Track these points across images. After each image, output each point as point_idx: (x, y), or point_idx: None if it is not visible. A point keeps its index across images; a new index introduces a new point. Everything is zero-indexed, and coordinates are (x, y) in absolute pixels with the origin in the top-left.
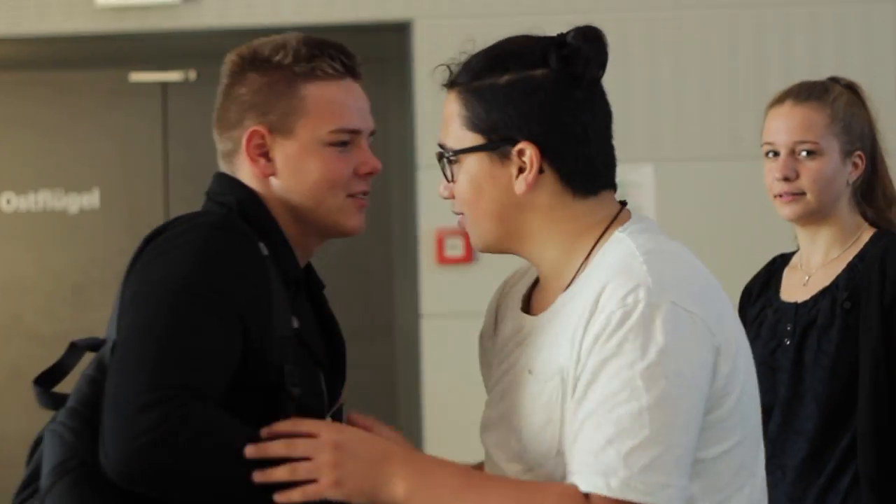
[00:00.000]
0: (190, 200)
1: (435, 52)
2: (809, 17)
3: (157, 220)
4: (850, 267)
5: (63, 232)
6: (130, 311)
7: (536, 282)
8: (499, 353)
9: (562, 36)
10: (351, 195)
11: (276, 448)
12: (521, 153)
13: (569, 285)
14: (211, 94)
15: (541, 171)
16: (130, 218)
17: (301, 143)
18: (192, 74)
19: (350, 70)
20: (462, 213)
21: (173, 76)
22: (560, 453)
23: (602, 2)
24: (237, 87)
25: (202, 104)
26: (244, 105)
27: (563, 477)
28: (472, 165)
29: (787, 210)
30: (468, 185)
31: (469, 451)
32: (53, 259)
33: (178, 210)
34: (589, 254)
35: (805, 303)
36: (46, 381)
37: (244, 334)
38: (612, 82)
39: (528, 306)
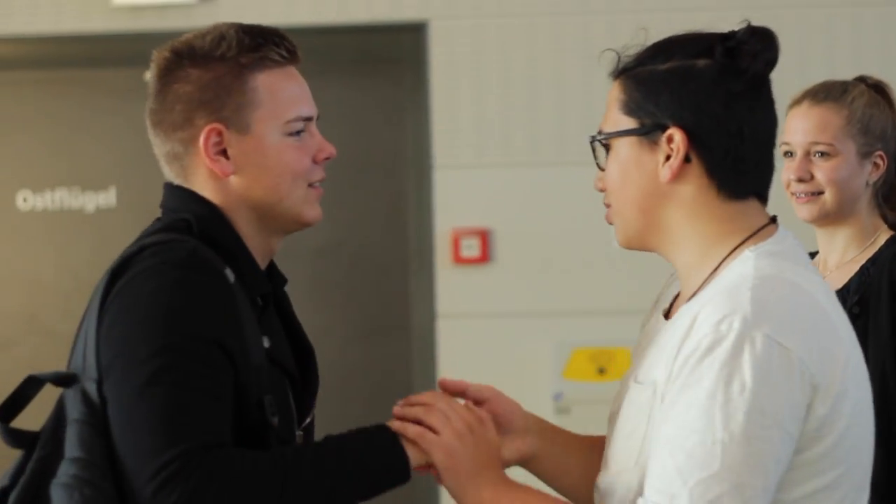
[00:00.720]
0: None
1: (450, 53)
2: (825, 19)
3: None
4: (862, 270)
5: (80, 230)
6: (117, 380)
7: None
8: (636, 348)
9: (732, 31)
10: (311, 185)
11: (415, 411)
12: (670, 139)
13: (692, 296)
14: None
15: (688, 160)
16: (147, 216)
17: (258, 136)
18: None
19: (293, 55)
20: (609, 206)
21: None
22: (638, 465)
23: (618, 3)
24: (178, 85)
25: None
26: (191, 103)
27: (637, 489)
28: (623, 150)
29: (803, 210)
30: (616, 170)
31: None
32: (70, 257)
33: None
34: (718, 266)
35: None
36: (4, 414)
37: (233, 368)
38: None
39: (670, 307)
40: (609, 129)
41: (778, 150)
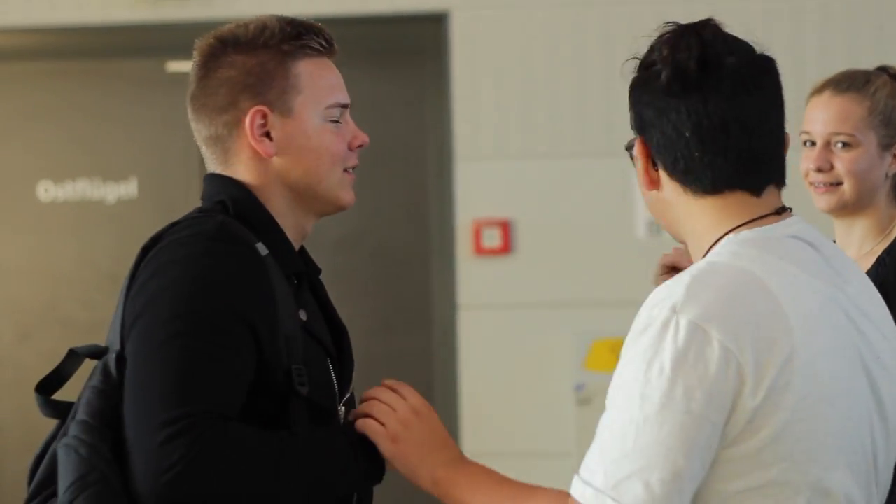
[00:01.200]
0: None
1: (472, 44)
2: (847, 7)
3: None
4: (879, 261)
5: (101, 221)
6: (137, 338)
7: None
8: None
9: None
10: (345, 170)
11: (361, 407)
12: (638, 150)
13: None
14: None
15: (655, 167)
16: (168, 207)
17: (300, 120)
18: None
19: (331, 46)
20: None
21: None
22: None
23: None
24: (222, 70)
25: None
26: (236, 87)
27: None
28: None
29: (822, 201)
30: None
31: (505, 442)
32: (91, 248)
33: None
34: (705, 255)
35: None
36: (46, 388)
37: (256, 343)
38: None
39: None
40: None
41: (797, 138)
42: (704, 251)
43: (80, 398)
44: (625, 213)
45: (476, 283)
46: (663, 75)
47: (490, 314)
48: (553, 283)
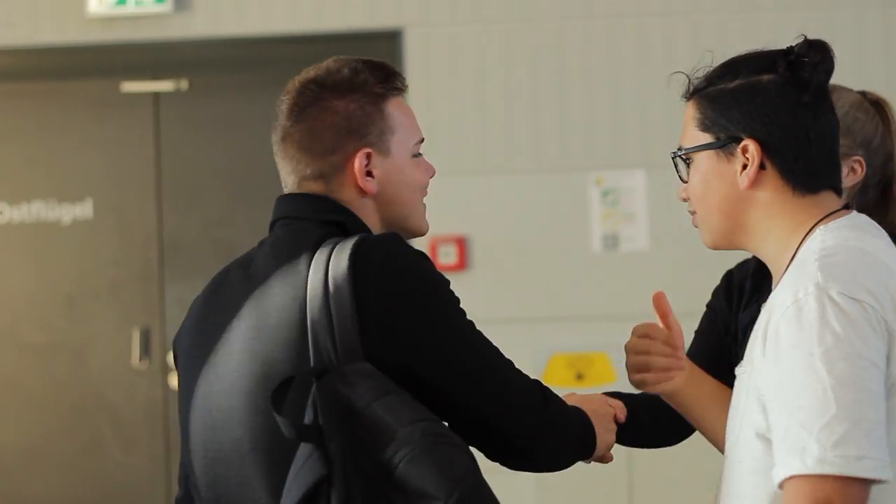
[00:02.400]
0: (181, 209)
1: (426, 60)
2: (800, 21)
3: (150, 230)
4: None
5: (56, 242)
6: (430, 343)
7: None
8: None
9: (791, 47)
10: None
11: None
12: (744, 150)
13: (779, 281)
14: (202, 103)
15: (763, 167)
16: (123, 228)
17: (397, 158)
18: (184, 84)
19: (405, 84)
20: (695, 213)
21: (165, 86)
22: (739, 439)
23: (593, 7)
24: (322, 114)
25: (194, 113)
26: (340, 130)
27: (738, 460)
28: (703, 163)
29: None
30: (699, 181)
31: None
32: (47, 269)
33: (171, 219)
34: (797, 249)
35: None
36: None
37: None
38: (602, 87)
39: None
40: (688, 144)
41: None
42: (792, 244)
43: (329, 423)
44: (580, 228)
45: None
46: (812, 82)
47: None
48: (510, 299)
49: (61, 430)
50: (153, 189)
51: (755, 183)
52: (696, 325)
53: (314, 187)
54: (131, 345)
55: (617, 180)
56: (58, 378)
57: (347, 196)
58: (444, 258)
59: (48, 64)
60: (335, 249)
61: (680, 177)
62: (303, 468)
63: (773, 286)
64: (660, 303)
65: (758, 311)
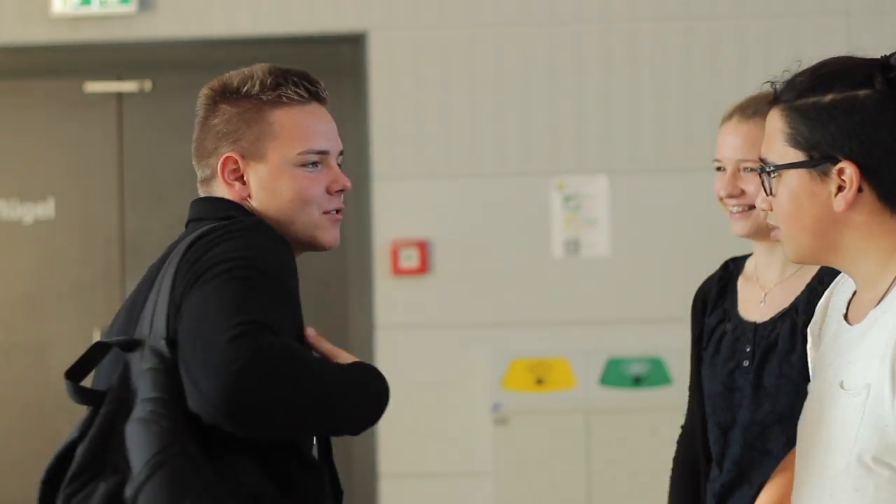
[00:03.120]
0: (144, 210)
1: (390, 64)
2: (764, 30)
3: (112, 230)
4: (810, 289)
5: (18, 242)
6: (197, 292)
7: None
8: (824, 356)
9: (886, 58)
10: (325, 212)
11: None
12: (841, 172)
13: (881, 300)
14: (166, 104)
15: (860, 189)
16: (85, 227)
17: (272, 165)
18: (148, 85)
19: (314, 95)
20: (777, 227)
21: (128, 86)
22: (850, 466)
23: (557, 13)
24: (211, 119)
25: (157, 114)
26: (218, 134)
27: (853, 488)
28: (793, 181)
29: (737, 226)
30: (788, 199)
31: (422, 462)
32: (8, 269)
33: (133, 220)
34: None
35: (764, 324)
36: (73, 377)
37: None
38: (566, 93)
39: (847, 312)
40: (777, 160)
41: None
42: (889, 264)
43: (116, 389)
44: (542, 233)
45: (394, 303)
46: None
47: (407, 334)
48: (470, 304)
49: (21, 430)
50: (116, 189)
51: (851, 205)
52: (659, 330)
53: (206, 192)
54: None
55: (579, 185)
56: (18, 378)
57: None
58: (406, 262)
59: (11, 63)
60: (192, 236)
61: (764, 188)
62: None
63: (866, 302)
64: None
65: (723, 316)
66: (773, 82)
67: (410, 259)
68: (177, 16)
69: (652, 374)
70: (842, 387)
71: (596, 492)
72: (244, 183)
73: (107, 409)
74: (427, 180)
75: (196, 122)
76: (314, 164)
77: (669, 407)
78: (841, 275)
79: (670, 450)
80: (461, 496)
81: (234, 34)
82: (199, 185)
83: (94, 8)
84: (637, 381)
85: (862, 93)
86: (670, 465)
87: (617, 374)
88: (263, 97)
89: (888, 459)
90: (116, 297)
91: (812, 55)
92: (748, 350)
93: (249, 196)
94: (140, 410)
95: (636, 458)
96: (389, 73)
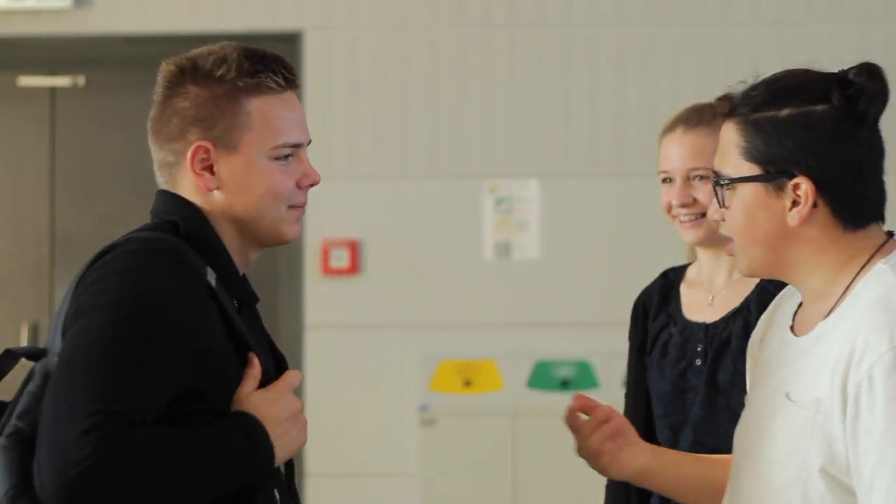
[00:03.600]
0: (75, 206)
1: (325, 63)
2: (697, 37)
3: (43, 225)
4: (760, 288)
5: None
6: (70, 339)
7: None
8: (766, 367)
9: (844, 73)
10: (291, 206)
11: None
12: (796, 187)
13: (829, 313)
14: (99, 100)
15: (814, 205)
16: (16, 222)
17: (246, 157)
18: (81, 80)
19: (291, 83)
20: (731, 239)
21: (62, 81)
22: (800, 481)
23: (492, 17)
24: (178, 99)
25: (91, 109)
26: (187, 118)
27: (800, 501)
28: (747, 194)
29: (689, 234)
30: (741, 212)
31: (349, 462)
32: None
33: (64, 215)
34: (850, 283)
35: (715, 324)
36: None
37: (196, 363)
38: (499, 96)
39: (793, 324)
40: (732, 173)
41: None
42: (843, 279)
43: (15, 399)
44: (473, 235)
45: (323, 302)
46: (870, 115)
47: (337, 334)
48: (400, 304)
49: None
50: (47, 184)
51: (805, 220)
52: (587, 334)
53: (163, 176)
54: (20, 339)
55: (511, 189)
56: None
57: (190, 192)
58: (336, 262)
59: None
60: (107, 246)
61: (717, 200)
62: None
63: (814, 314)
64: (582, 403)
65: (667, 320)
66: (728, 95)
67: (341, 259)
68: (111, 12)
69: (579, 378)
70: (788, 398)
71: (522, 494)
72: (213, 173)
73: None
74: (359, 181)
75: (156, 100)
76: (286, 157)
77: None
78: (787, 287)
79: None
80: (387, 497)
81: (169, 31)
82: (157, 169)
83: (29, 2)
84: (564, 385)
85: (819, 108)
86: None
87: (544, 377)
88: (240, 83)
89: (836, 473)
90: (45, 293)
91: (742, 64)
92: (700, 349)
93: (218, 187)
94: (4, 435)
95: (562, 460)
96: (324, 73)
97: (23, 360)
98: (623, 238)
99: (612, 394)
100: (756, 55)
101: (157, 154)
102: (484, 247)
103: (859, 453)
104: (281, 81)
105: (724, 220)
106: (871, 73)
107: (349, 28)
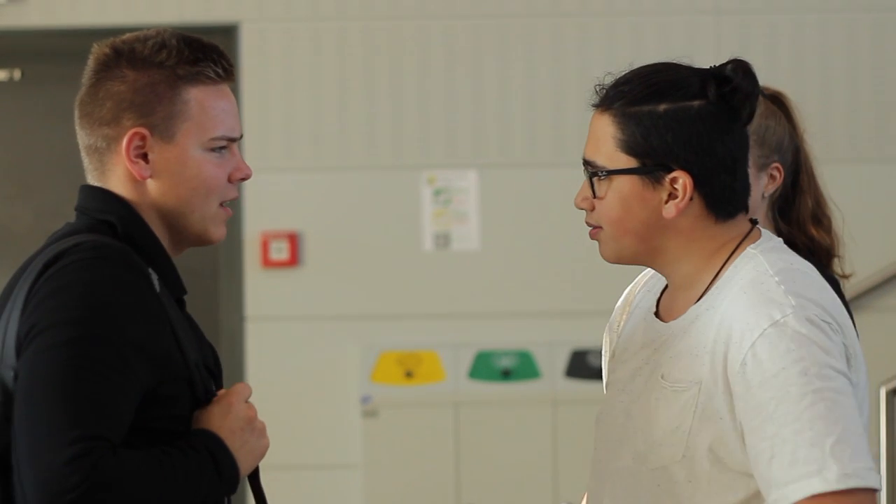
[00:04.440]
0: (13, 200)
1: (262, 55)
2: (644, 27)
3: None
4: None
5: None
6: (34, 357)
7: (665, 287)
8: (625, 351)
9: (720, 69)
10: (221, 203)
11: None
12: (674, 181)
13: (701, 297)
14: (35, 93)
15: (690, 198)
16: None
17: (181, 147)
18: (17, 74)
19: (229, 74)
20: (599, 227)
21: None
22: (685, 458)
23: (426, 7)
24: (113, 83)
25: (26, 104)
26: (123, 103)
27: (686, 479)
28: (624, 186)
29: None
30: (617, 203)
31: (291, 454)
32: None
33: (1, 210)
34: (721, 268)
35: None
36: None
37: (157, 370)
38: (436, 87)
39: (657, 311)
40: (608, 165)
41: None
42: (712, 266)
43: None
44: (412, 226)
45: (263, 295)
46: (744, 112)
47: (277, 326)
48: (340, 296)
49: None
50: (7, 176)
51: (681, 211)
52: (528, 324)
53: (91, 163)
54: None
55: (449, 180)
56: None
57: (121, 181)
58: (276, 254)
59: None
60: (53, 250)
61: (592, 190)
62: None
63: (684, 300)
64: None
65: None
66: (599, 86)
67: (280, 251)
68: (47, 5)
69: (520, 368)
70: (664, 379)
71: (465, 484)
72: (147, 162)
73: None
74: (297, 173)
75: (86, 81)
76: (221, 149)
77: (537, 400)
78: (647, 272)
79: (538, 442)
80: (330, 488)
81: (105, 24)
82: (85, 155)
83: None
84: (506, 375)
85: (696, 103)
86: (539, 457)
87: (486, 368)
88: (179, 71)
89: (723, 454)
90: None
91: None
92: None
93: (151, 177)
94: None
95: (505, 450)
96: (260, 65)
97: None
98: (562, 228)
99: (552, 384)
100: (720, 45)
101: (87, 139)
102: (423, 238)
103: (754, 427)
104: (220, 72)
105: (592, 210)
106: (745, 72)
107: (285, 20)
